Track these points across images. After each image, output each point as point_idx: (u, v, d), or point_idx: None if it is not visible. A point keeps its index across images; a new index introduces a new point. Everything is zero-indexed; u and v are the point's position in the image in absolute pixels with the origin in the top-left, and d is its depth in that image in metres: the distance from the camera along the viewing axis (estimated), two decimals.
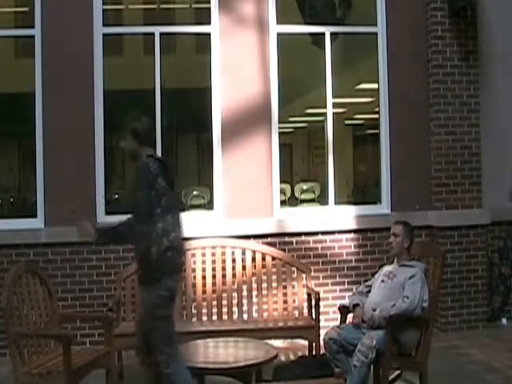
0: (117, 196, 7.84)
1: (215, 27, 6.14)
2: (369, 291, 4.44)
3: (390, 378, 4.19)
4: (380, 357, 3.93)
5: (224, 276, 5.51)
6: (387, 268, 4.45)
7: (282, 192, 6.81)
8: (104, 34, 6.01)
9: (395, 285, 4.23)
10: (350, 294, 6.10)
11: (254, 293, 5.51)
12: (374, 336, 3.96)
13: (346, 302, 4.65)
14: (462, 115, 6.27)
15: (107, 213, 5.98)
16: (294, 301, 5.52)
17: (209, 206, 6.49)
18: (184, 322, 5.28)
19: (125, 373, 5.02)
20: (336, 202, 6.37)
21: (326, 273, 6.11)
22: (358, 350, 3.91)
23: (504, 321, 6.34)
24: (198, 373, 4.02)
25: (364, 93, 7.43)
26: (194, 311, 5.43)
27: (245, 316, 5.43)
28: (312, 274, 5.70)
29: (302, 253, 6.05)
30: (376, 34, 6.42)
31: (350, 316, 4.47)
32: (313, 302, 5.14)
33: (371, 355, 3.87)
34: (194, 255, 5.57)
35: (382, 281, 4.36)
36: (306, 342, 5.26)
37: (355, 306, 4.35)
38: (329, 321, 5.64)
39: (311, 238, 6.12)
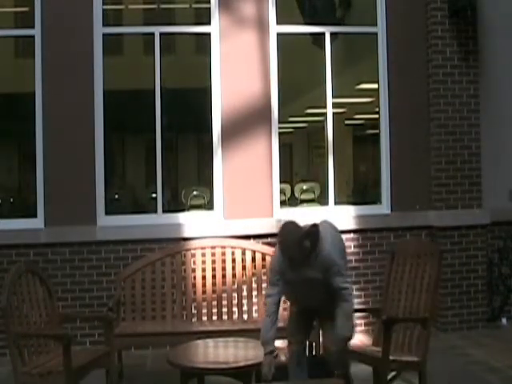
0: (117, 196, 7.84)
1: (215, 27, 6.14)
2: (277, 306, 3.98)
3: (389, 377, 4.18)
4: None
5: (224, 276, 5.51)
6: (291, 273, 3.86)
7: (282, 192, 6.81)
8: (104, 34, 6.02)
9: (317, 284, 3.81)
10: None
11: (254, 293, 5.51)
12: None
13: None
14: (462, 115, 6.27)
15: (107, 213, 5.99)
16: None
17: (209, 206, 6.49)
18: (184, 322, 5.29)
19: (125, 373, 5.03)
20: (336, 202, 6.37)
21: None
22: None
23: (504, 321, 6.34)
24: (198, 373, 4.03)
25: (364, 93, 7.42)
26: (194, 311, 5.43)
27: (245, 316, 5.43)
28: None
29: None
30: (376, 34, 6.43)
31: None
32: None
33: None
34: (193, 255, 5.57)
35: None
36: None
37: (270, 352, 3.81)
38: None
39: None
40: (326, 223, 4.04)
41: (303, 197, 8.00)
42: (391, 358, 3.96)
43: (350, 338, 3.85)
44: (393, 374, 4.30)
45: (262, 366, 3.77)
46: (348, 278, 3.90)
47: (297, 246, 3.70)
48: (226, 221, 6.01)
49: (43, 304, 4.40)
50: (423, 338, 4.11)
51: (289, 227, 3.81)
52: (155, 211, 6.12)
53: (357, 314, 6.00)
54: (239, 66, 6.12)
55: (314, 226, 3.81)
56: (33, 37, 5.91)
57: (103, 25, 6.01)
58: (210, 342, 4.41)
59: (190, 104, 7.55)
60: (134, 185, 8.91)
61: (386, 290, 4.57)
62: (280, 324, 4.03)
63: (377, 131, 6.53)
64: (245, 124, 6.12)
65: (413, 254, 4.47)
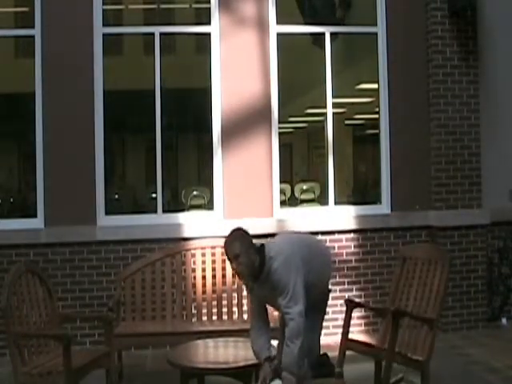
0: (117, 196, 7.85)
1: (215, 27, 6.14)
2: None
3: (392, 380, 4.16)
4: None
5: (224, 276, 5.50)
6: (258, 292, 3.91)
7: (282, 192, 6.81)
8: (104, 34, 6.02)
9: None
10: (352, 294, 6.13)
11: None
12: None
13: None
14: (462, 115, 6.27)
15: (107, 213, 5.99)
16: None
17: (209, 206, 6.50)
18: (184, 322, 5.29)
19: (125, 373, 5.02)
20: (336, 202, 6.37)
21: None
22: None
23: (504, 321, 6.34)
24: (198, 373, 4.03)
25: (364, 93, 7.43)
26: (194, 311, 5.43)
27: (245, 316, 5.43)
28: None
29: None
30: (376, 34, 6.43)
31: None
32: None
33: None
34: (193, 255, 5.56)
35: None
36: None
37: (266, 359, 3.79)
38: (329, 321, 5.63)
39: None
40: (285, 243, 3.98)
41: (303, 197, 8.02)
42: (397, 349, 3.94)
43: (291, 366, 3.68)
44: (396, 377, 4.29)
45: (259, 374, 3.80)
46: (295, 299, 3.70)
47: (241, 250, 3.72)
48: (226, 221, 6.01)
49: (43, 304, 4.40)
50: (429, 338, 4.08)
51: (239, 232, 3.85)
52: (155, 211, 6.12)
53: (357, 314, 6.02)
54: (239, 65, 6.12)
55: (262, 245, 3.87)
56: (33, 37, 5.91)
57: (103, 25, 6.01)
58: (210, 341, 4.41)
59: (190, 104, 7.57)
60: (134, 185, 8.92)
61: (393, 294, 4.53)
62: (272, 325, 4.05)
63: (377, 131, 6.53)
64: (245, 124, 6.12)
65: (423, 259, 4.42)
